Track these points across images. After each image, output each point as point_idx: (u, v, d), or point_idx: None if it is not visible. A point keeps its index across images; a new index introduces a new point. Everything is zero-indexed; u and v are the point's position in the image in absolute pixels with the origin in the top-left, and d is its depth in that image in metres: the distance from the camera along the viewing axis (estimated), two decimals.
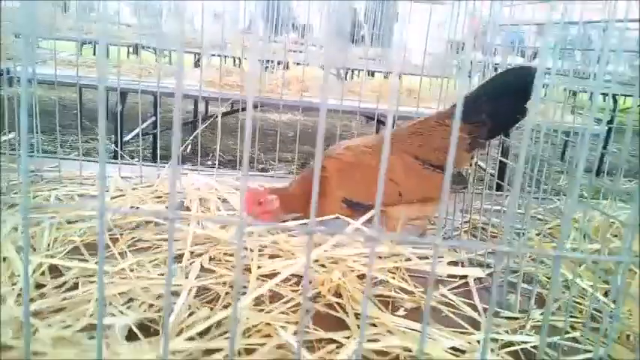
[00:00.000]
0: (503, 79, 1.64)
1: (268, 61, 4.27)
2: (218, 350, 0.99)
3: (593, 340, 1.19)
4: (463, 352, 1.13)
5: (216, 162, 2.13)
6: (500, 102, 1.59)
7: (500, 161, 1.84)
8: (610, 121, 3.12)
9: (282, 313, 1.16)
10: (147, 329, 1.07)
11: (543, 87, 1.90)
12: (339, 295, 1.28)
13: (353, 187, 1.56)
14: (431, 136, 1.63)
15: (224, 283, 1.26)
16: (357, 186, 1.55)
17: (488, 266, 1.55)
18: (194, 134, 2.34)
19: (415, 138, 1.64)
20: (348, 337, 1.11)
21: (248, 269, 1.30)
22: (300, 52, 5.19)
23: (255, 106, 3.47)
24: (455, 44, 2.52)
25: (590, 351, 1.17)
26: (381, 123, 4.35)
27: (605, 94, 4.50)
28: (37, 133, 1.96)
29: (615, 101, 4.35)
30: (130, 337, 1.02)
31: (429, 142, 1.62)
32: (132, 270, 1.26)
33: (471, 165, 1.78)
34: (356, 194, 1.56)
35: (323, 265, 1.39)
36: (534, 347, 1.18)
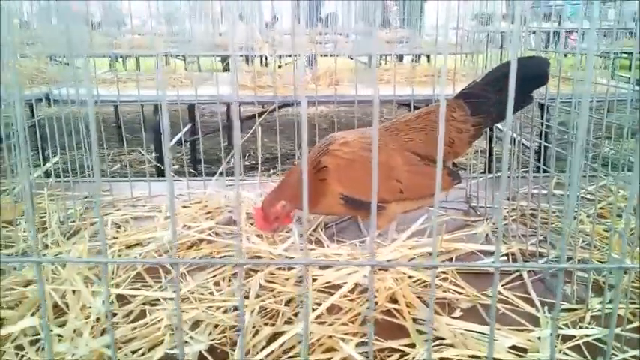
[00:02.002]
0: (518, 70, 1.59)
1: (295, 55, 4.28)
2: None
3: None
4: (525, 350, 1.13)
5: (258, 176, 2.16)
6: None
7: (540, 138, 1.81)
8: None
9: (343, 324, 1.19)
10: (214, 351, 1.12)
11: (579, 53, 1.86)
12: (394, 300, 1.30)
13: (352, 183, 1.54)
14: (433, 131, 1.59)
15: (282, 300, 1.30)
16: (356, 183, 1.54)
17: (541, 255, 1.54)
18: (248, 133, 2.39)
19: (417, 134, 1.60)
20: (408, 345, 1.13)
21: (299, 280, 1.34)
22: (327, 43, 5.17)
23: (290, 104, 3.51)
24: (484, 17, 2.47)
25: None
26: (416, 108, 4.31)
27: None
28: (86, 153, 2.00)
29: None
30: None
31: (432, 138, 1.60)
32: (192, 292, 1.31)
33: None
34: (355, 191, 1.55)
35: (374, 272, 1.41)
36: (597, 340, 1.17)
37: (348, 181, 1.54)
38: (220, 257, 1.54)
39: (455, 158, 1.72)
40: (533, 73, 1.52)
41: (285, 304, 1.28)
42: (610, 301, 1.29)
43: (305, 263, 0.67)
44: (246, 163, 4.55)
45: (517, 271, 1.46)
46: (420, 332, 1.19)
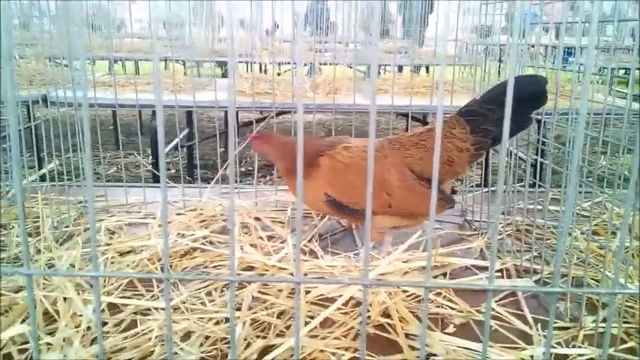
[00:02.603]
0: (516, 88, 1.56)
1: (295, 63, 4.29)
2: None
3: None
4: None
5: (255, 181, 2.16)
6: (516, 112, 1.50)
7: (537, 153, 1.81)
8: None
9: (336, 338, 1.18)
10: None
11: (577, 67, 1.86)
12: (387, 315, 1.29)
13: (341, 187, 1.57)
14: (433, 149, 1.59)
15: (274, 313, 1.29)
16: (345, 188, 1.56)
17: (535, 272, 1.53)
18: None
19: (416, 150, 1.60)
20: None
21: (292, 293, 1.34)
22: (326, 51, 5.18)
23: (287, 112, 3.51)
24: (483, 30, 2.48)
25: None
26: (414, 119, 4.32)
27: None
28: (82, 156, 1.99)
29: None
30: None
31: (430, 155, 1.59)
32: (184, 302, 1.30)
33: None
34: (343, 195, 1.57)
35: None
36: (590, 359, 1.17)
37: (337, 184, 1.57)
38: (213, 267, 1.53)
39: (454, 178, 1.70)
40: (532, 91, 1.51)
41: (278, 317, 1.27)
42: (604, 320, 1.29)
43: (297, 282, 0.67)
44: (242, 169, 4.55)
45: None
46: (413, 348, 1.18)
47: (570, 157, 1.61)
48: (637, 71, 1.46)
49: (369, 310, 1.29)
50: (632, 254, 1.62)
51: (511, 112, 1.56)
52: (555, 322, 1.30)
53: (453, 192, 1.76)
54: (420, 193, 1.56)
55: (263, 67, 5.90)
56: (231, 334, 0.68)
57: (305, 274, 1.47)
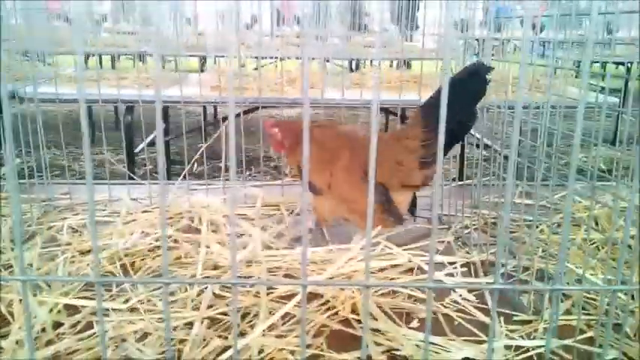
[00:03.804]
0: (459, 78, 1.47)
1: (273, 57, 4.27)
2: None
3: (607, 338, 1.18)
4: None
5: (222, 175, 2.14)
6: (457, 104, 1.26)
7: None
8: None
9: (297, 336, 1.17)
10: None
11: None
12: (354, 311, 1.28)
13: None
14: (382, 152, 1.56)
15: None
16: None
17: (502, 265, 1.54)
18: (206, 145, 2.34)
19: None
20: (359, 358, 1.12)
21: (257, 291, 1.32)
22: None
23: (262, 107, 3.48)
24: (460, 24, 2.47)
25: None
26: (390, 113, 4.31)
27: (619, 63, 4.38)
28: (44, 153, 1.95)
29: (628, 69, 4.23)
30: None
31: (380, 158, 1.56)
32: (142, 302, 1.28)
33: (424, 185, 1.60)
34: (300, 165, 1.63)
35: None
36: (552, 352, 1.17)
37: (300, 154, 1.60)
38: (178, 267, 1.51)
39: (405, 186, 1.58)
40: (473, 75, 1.46)
41: (243, 317, 1.25)
42: (567, 313, 1.30)
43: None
44: (220, 164, 4.50)
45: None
46: (377, 344, 1.17)
47: (538, 150, 1.61)
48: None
49: (335, 307, 1.28)
50: (597, 247, 1.64)
51: (464, 104, 1.53)
52: (517, 315, 1.31)
53: (411, 211, 1.68)
54: (359, 187, 1.52)
55: (242, 62, 5.84)
56: (167, 350, 0.66)
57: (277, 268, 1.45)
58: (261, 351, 1.10)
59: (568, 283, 1.42)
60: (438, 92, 1.55)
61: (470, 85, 1.46)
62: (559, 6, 1.90)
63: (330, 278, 1.35)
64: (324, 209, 1.62)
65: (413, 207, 1.69)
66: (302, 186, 1.49)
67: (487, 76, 1.47)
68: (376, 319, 1.24)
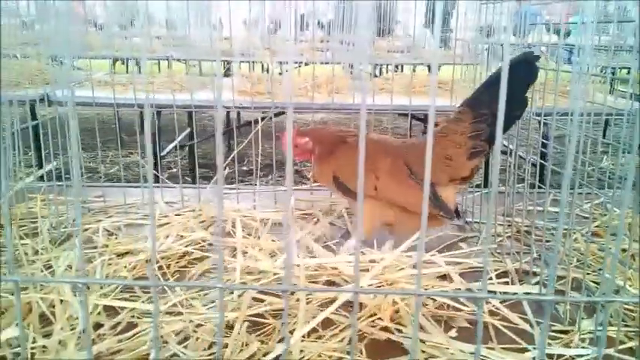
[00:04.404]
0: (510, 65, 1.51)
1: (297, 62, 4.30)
2: None
3: None
4: None
5: (257, 183, 2.15)
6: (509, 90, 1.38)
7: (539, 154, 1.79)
8: None
9: (339, 341, 1.17)
10: None
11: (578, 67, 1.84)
12: (394, 319, 1.27)
13: (339, 166, 1.64)
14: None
15: (275, 316, 1.28)
16: (342, 166, 1.63)
17: (534, 274, 1.52)
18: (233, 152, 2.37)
19: (412, 150, 1.61)
20: None
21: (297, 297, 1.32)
22: (328, 50, 5.17)
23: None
24: (484, 29, 2.46)
25: None
26: (414, 118, 4.29)
27: None
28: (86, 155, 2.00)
29: None
30: None
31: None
32: (182, 305, 1.30)
33: (471, 177, 1.63)
34: (339, 173, 1.64)
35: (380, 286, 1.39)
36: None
37: (336, 163, 1.65)
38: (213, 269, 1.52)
39: (454, 180, 1.60)
40: (522, 63, 1.47)
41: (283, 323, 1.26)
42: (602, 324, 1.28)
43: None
44: (244, 168, 4.54)
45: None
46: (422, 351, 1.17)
47: (569, 158, 1.58)
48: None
49: (376, 313, 1.28)
50: (633, 256, 1.61)
51: (514, 93, 1.51)
52: (554, 325, 1.29)
53: (457, 212, 1.68)
54: (407, 184, 1.55)
55: (265, 67, 5.89)
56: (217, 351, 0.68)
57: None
58: (301, 358, 1.11)
59: (604, 294, 1.40)
60: (483, 87, 1.58)
61: (520, 72, 1.46)
62: (595, 12, 1.87)
63: (379, 286, 1.35)
64: (372, 214, 1.60)
65: (457, 212, 1.69)
66: (357, 195, 1.47)
67: (537, 64, 1.49)
68: (422, 329, 1.24)
